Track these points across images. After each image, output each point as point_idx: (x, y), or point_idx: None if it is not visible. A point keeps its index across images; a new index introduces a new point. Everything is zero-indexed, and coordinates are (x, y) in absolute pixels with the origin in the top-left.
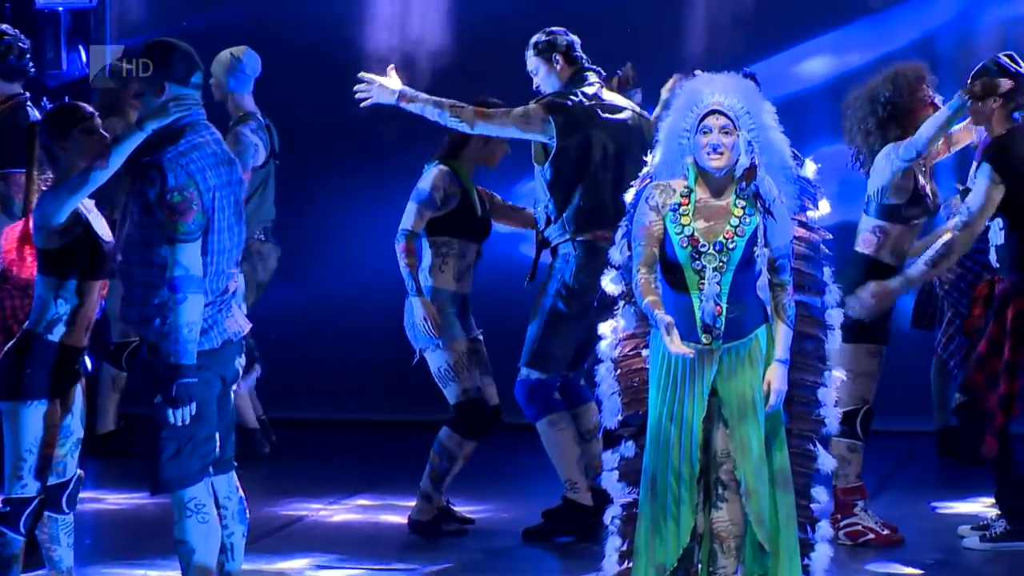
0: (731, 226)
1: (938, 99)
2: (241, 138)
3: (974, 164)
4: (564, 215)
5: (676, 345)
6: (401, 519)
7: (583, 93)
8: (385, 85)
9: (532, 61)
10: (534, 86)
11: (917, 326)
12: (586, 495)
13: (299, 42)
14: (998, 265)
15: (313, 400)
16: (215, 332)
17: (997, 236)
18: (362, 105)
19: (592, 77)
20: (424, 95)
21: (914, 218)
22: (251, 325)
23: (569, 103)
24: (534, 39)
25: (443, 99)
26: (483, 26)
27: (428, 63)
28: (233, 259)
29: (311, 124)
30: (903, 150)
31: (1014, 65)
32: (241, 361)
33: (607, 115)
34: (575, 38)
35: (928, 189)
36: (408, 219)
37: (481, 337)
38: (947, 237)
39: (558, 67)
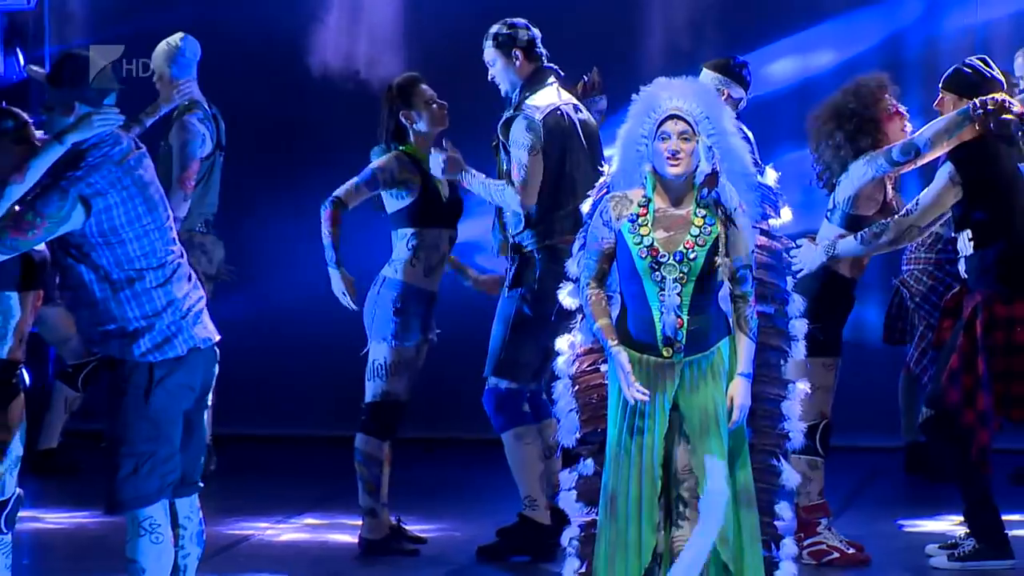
0: (691, 236)
1: (902, 108)
2: (188, 126)
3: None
4: (537, 220)
5: (632, 390)
6: (351, 538)
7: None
8: (450, 159)
9: (490, 52)
10: (489, 77)
11: (889, 341)
12: (544, 513)
13: (248, 42)
14: (967, 276)
15: (260, 415)
16: (180, 340)
17: (966, 247)
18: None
19: (551, 77)
20: (480, 177)
21: None
22: (219, 336)
23: (543, 113)
24: (494, 29)
25: (497, 183)
26: (435, 25)
27: (378, 64)
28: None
29: (260, 124)
30: (897, 150)
31: (987, 69)
32: (215, 371)
33: (578, 116)
34: (537, 33)
35: (895, 203)
36: (341, 189)
37: (435, 338)
38: (884, 220)
39: (517, 63)
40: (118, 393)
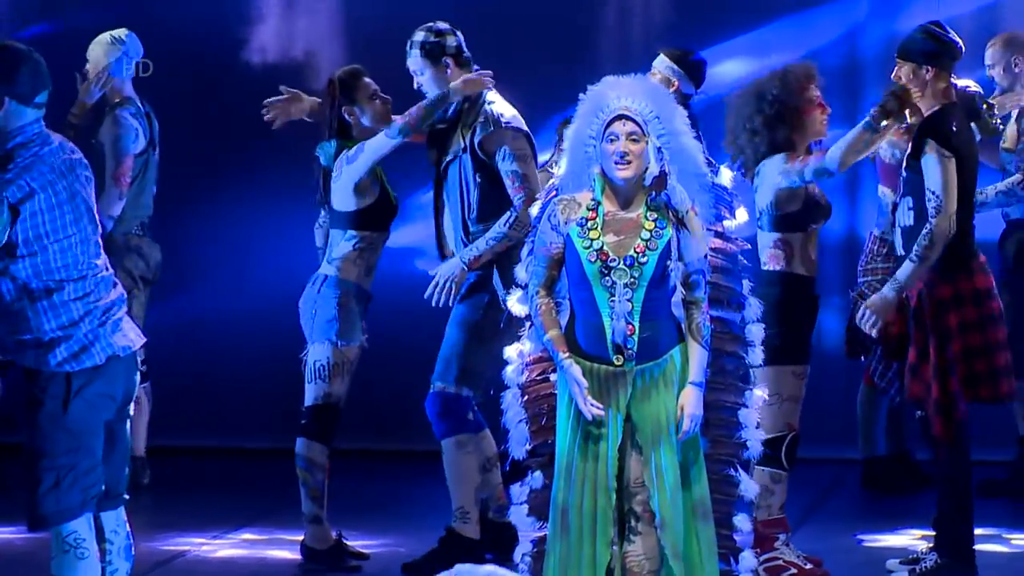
0: (642, 240)
1: (824, 102)
2: (121, 120)
3: (909, 146)
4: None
5: (587, 407)
6: (290, 554)
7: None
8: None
9: (417, 62)
10: (415, 85)
11: (851, 355)
12: (474, 528)
13: (181, 37)
14: (902, 252)
15: (196, 425)
16: (98, 348)
17: (906, 216)
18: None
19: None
20: (479, 245)
21: (812, 223)
22: (145, 340)
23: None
24: (420, 37)
25: (499, 232)
26: (371, 27)
27: (319, 57)
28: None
29: (196, 122)
30: (810, 172)
31: (945, 33)
32: (136, 379)
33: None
34: (461, 36)
35: (817, 190)
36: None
37: (367, 344)
38: (925, 230)
39: (448, 71)
40: (35, 404)
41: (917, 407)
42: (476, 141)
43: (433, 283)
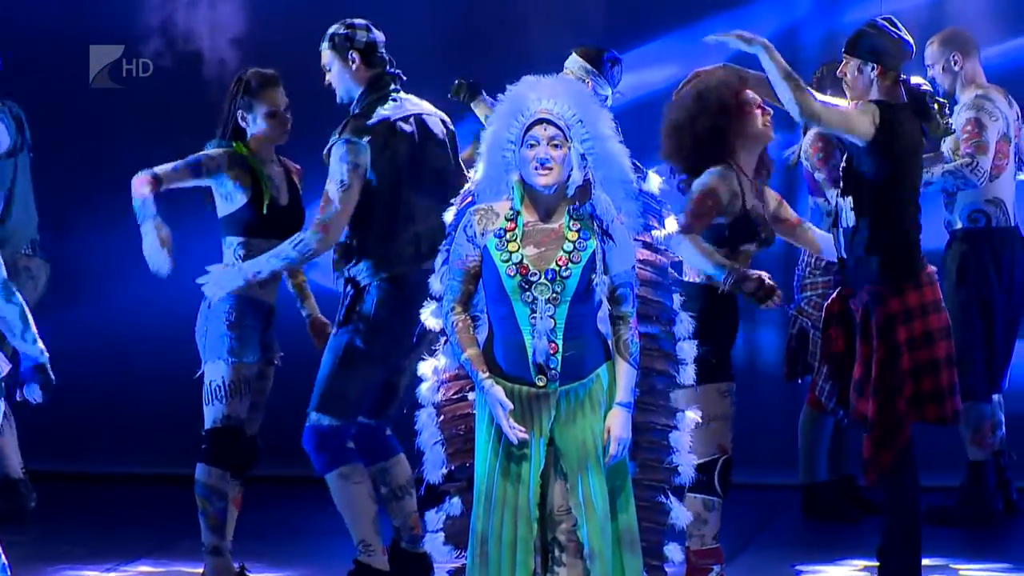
0: (565, 252)
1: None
2: None
3: (801, 139)
4: (372, 250)
5: (514, 432)
6: None
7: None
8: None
9: (326, 55)
10: (325, 82)
11: (791, 378)
12: (382, 558)
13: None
14: (845, 254)
15: (90, 450)
16: None
17: (847, 217)
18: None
19: (393, 83)
20: (259, 260)
21: (740, 243)
22: (10, 367)
23: (371, 123)
24: (332, 30)
25: (280, 250)
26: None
27: (207, 63)
28: None
29: (72, 129)
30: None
31: (895, 29)
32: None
33: (429, 129)
34: (380, 36)
35: (759, 213)
36: (161, 167)
37: (279, 362)
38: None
39: (353, 67)
40: None
41: (863, 428)
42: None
43: (205, 278)
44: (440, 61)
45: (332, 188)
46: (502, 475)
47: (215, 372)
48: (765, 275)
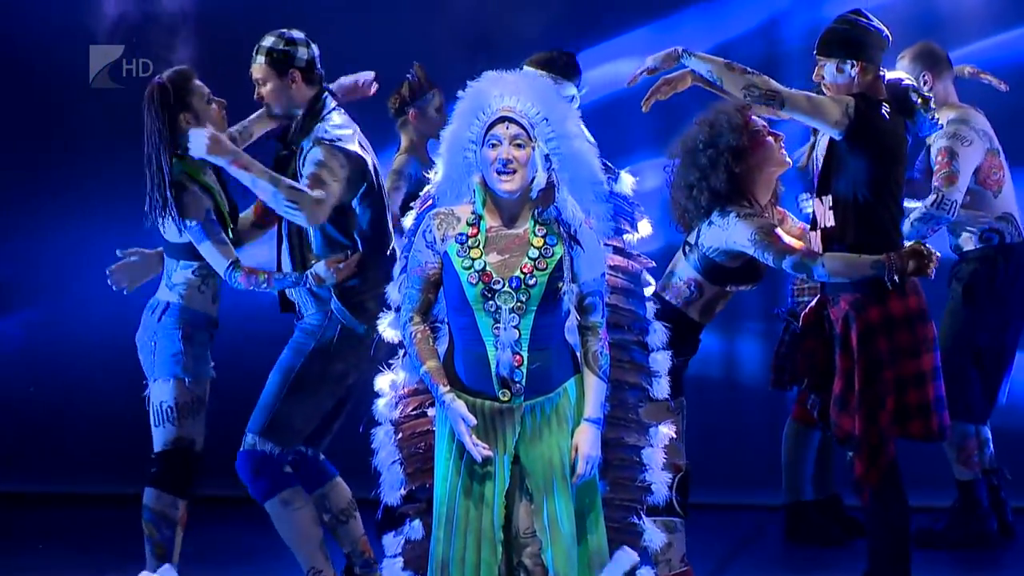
0: (530, 259)
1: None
2: None
3: (812, 139)
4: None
5: (477, 450)
6: None
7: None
8: (214, 138)
9: (260, 69)
10: (255, 95)
11: (778, 386)
12: None
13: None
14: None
15: (32, 468)
16: None
17: (825, 217)
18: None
19: (331, 103)
20: (258, 165)
21: (737, 284)
22: None
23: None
24: (267, 43)
25: (279, 176)
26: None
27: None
28: None
29: (13, 127)
30: (790, 264)
31: (867, 20)
32: None
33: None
34: (316, 50)
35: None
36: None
37: (214, 374)
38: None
39: (293, 86)
40: None
41: (846, 445)
42: (301, 162)
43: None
44: (395, 64)
45: (324, 174)
46: (464, 496)
47: (165, 392)
48: (918, 246)
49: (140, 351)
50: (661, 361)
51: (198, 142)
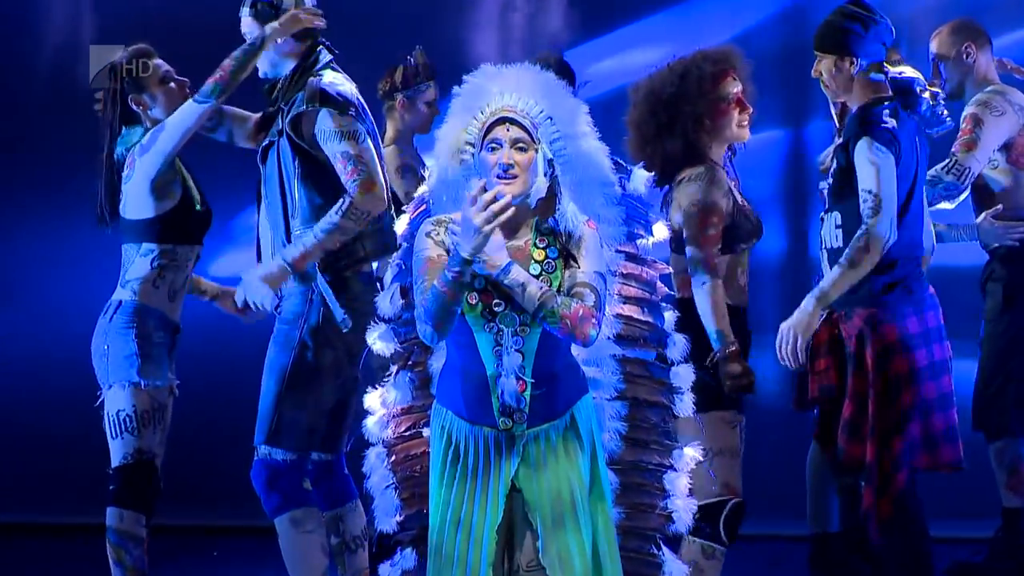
0: (532, 274)
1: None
2: None
3: (836, 141)
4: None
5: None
6: None
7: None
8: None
9: (247, 23)
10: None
11: (800, 407)
12: None
13: None
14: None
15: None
16: None
17: (833, 236)
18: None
19: (326, 55)
20: (309, 239)
21: (741, 242)
22: None
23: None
24: None
25: (324, 225)
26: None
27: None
28: None
29: None
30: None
31: (865, 11)
32: None
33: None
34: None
35: (746, 204)
36: None
37: (176, 391)
38: (859, 232)
39: (280, 40)
40: None
41: (854, 473)
42: (289, 119)
43: (239, 291)
44: (382, 62)
45: (350, 147)
46: (453, 528)
47: (121, 400)
48: (751, 372)
49: (93, 356)
50: (684, 375)
51: (252, 291)
